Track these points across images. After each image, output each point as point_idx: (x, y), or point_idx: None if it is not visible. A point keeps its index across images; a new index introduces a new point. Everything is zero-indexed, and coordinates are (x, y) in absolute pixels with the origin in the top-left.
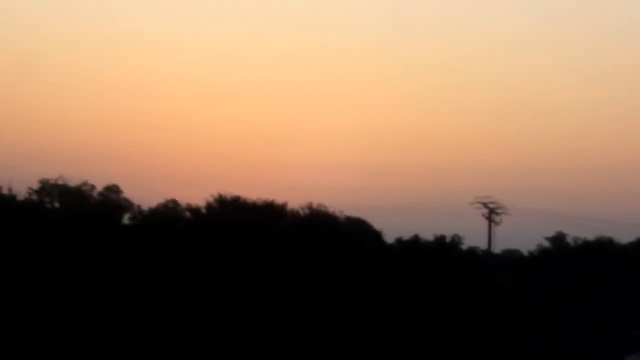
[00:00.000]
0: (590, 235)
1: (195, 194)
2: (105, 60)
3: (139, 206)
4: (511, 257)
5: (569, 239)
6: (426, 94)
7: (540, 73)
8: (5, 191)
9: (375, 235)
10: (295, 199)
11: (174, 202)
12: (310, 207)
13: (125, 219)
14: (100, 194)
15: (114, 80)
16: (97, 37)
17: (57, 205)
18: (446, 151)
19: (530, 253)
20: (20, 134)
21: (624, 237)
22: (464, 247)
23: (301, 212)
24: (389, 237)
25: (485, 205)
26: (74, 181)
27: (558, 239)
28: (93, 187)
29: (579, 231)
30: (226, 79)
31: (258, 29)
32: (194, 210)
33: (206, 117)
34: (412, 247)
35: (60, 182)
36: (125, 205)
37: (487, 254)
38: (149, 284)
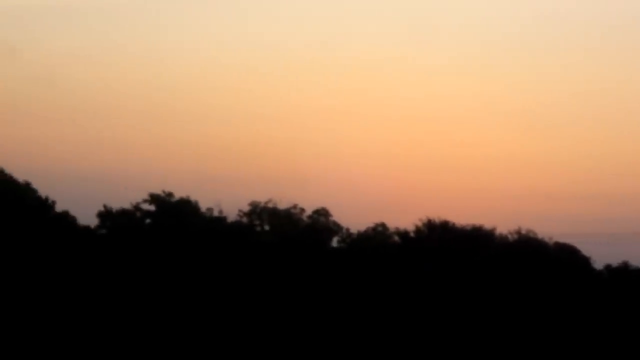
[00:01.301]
0: None
1: (404, 218)
2: (308, 88)
3: (347, 229)
4: None
5: None
6: (620, 118)
7: None
8: (216, 213)
9: (584, 262)
10: (504, 225)
11: (383, 225)
12: (519, 232)
13: (334, 242)
14: (310, 217)
15: (321, 106)
16: (299, 66)
17: (267, 227)
18: None
19: None
20: (232, 158)
21: None
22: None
23: (510, 238)
24: (598, 264)
25: None
26: (283, 204)
27: None
28: (302, 210)
29: None
30: (424, 104)
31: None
32: (403, 234)
33: (411, 142)
34: (621, 274)
35: (270, 205)
36: (334, 229)
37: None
38: (358, 306)
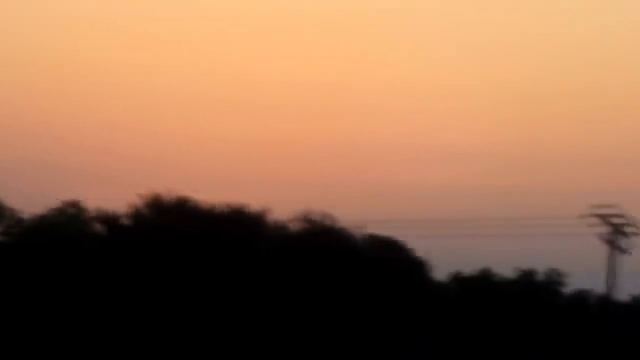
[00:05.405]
0: None
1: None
2: None
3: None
4: None
5: None
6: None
7: None
8: None
9: (417, 266)
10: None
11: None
12: (306, 217)
13: None
14: None
15: None
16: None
17: None
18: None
19: None
20: None
21: None
22: (569, 289)
23: (291, 227)
24: (441, 270)
25: (604, 219)
26: None
27: None
28: None
29: None
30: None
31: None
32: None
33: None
34: (481, 289)
35: None
36: None
37: (606, 300)
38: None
